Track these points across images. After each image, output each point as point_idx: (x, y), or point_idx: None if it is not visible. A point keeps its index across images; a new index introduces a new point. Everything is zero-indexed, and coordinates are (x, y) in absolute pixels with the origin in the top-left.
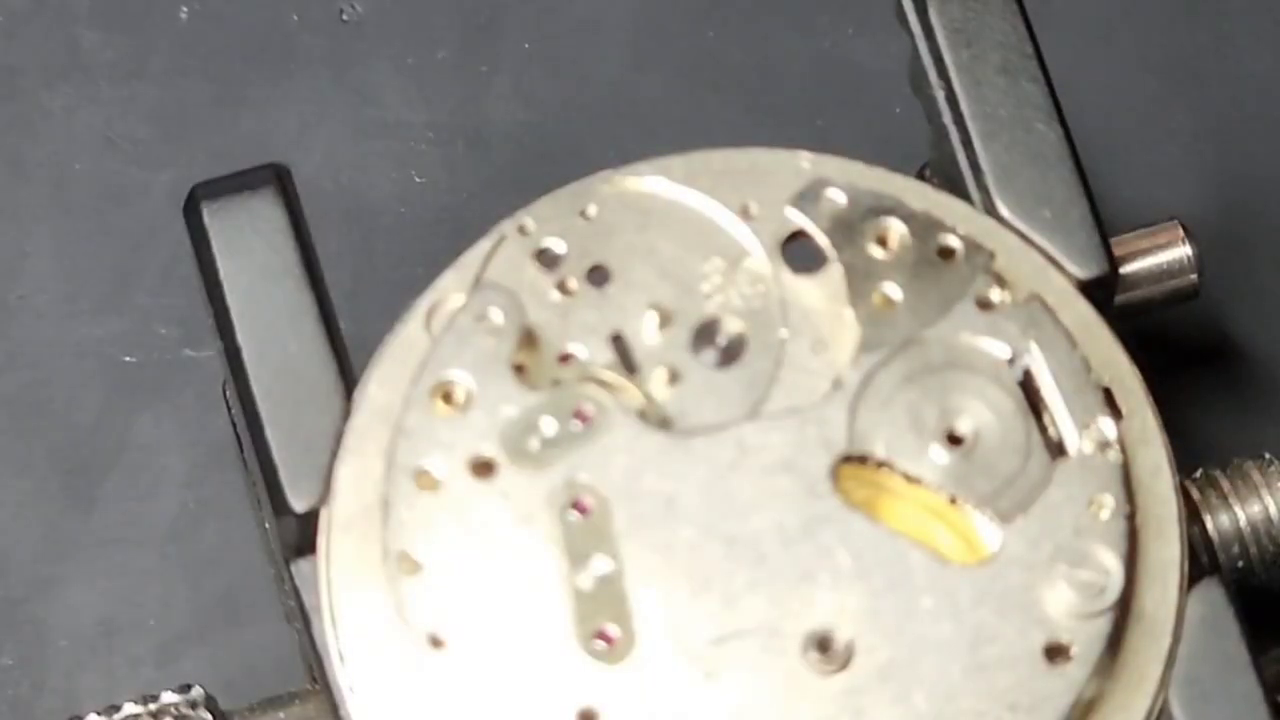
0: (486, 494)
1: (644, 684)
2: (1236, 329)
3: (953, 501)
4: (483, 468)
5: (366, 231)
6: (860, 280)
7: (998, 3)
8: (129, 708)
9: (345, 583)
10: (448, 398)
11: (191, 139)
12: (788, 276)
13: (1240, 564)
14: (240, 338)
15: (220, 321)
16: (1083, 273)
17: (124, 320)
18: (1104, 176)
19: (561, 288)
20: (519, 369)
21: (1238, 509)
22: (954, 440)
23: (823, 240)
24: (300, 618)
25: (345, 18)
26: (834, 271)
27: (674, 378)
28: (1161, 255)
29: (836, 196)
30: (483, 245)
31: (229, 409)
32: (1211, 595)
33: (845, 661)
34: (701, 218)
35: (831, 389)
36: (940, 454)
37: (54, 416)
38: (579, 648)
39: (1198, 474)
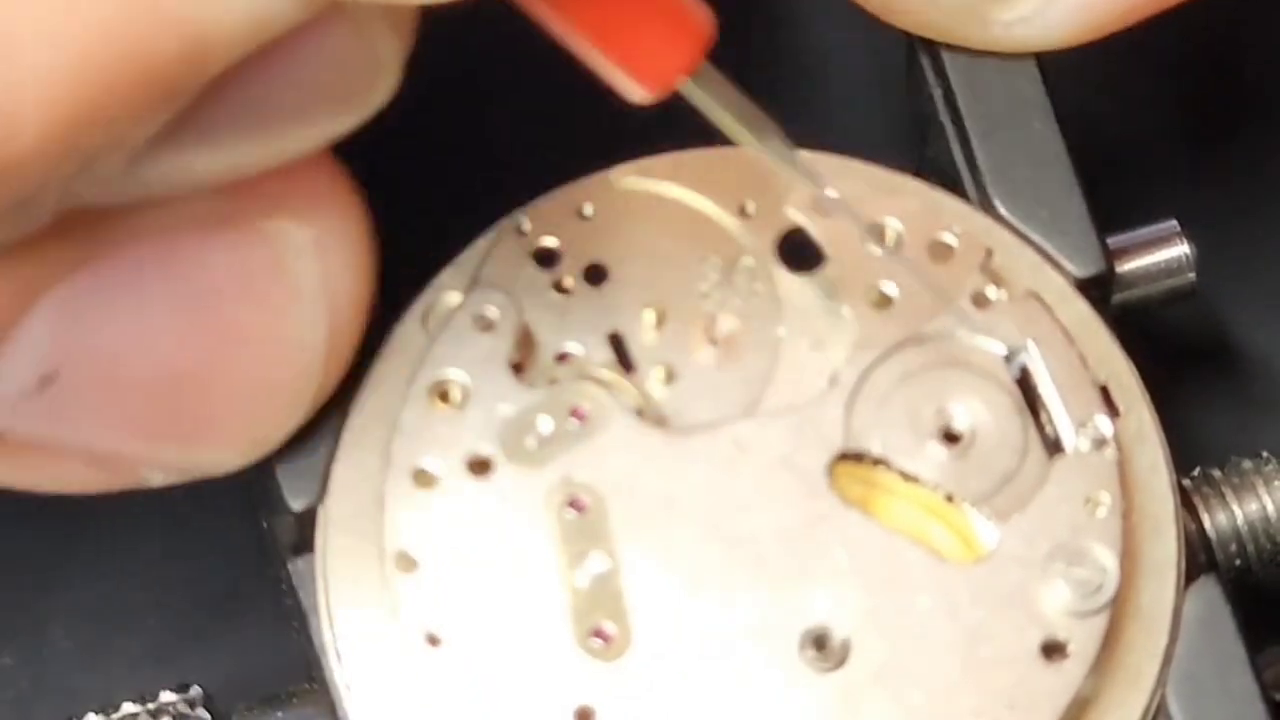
0: (483, 492)
1: (640, 682)
2: (1234, 328)
3: (949, 499)
4: (480, 466)
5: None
6: (857, 278)
7: None
8: (128, 707)
9: (342, 581)
10: (445, 396)
11: None
12: (784, 275)
13: (1238, 562)
14: None
15: None
16: (1080, 271)
17: None
18: (1102, 175)
19: (559, 287)
20: (516, 368)
21: (1235, 507)
22: (951, 438)
23: (820, 238)
24: (298, 616)
25: None
26: (831, 269)
27: (671, 376)
28: (1158, 254)
29: (833, 194)
30: (480, 244)
31: None
32: (1209, 593)
33: (842, 659)
34: (699, 216)
35: (828, 387)
36: (937, 451)
37: None
38: (576, 646)
39: (1195, 472)
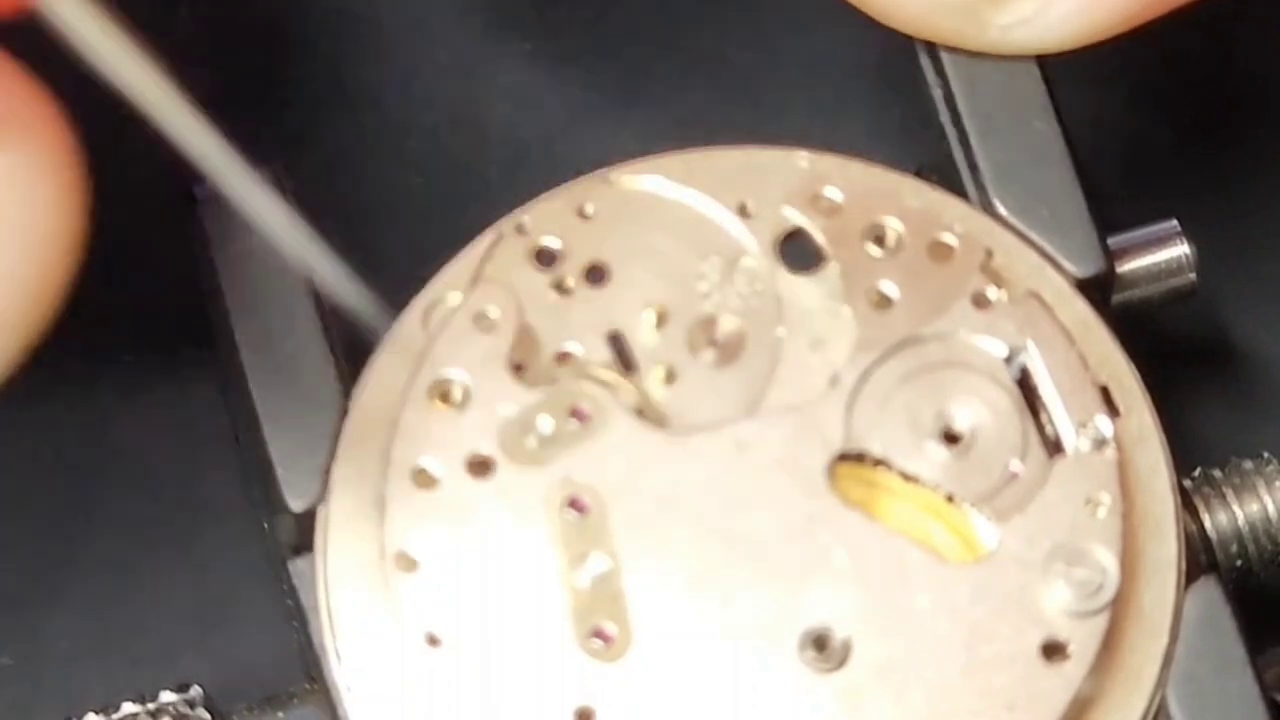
0: (484, 492)
1: (641, 682)
2: (1235, 328)
3: (950, 500)
4: (480, 466)
5: (366, 232)
6: (858, 278)
7: None
8: (128, 707)
9: (342, 581)
10: (445, 396)
11: None
12: (785, 275)
13: (1239, 563)
14: (238, 337)
15: (218, 321)
16: (1080, 271)
17: (124, 320)
18: (1102, 175)
19: (559, 286)
20: (516, 368)
21: (1236, 508)
22: (951, 438)
23: (820, 238)
24: (298, 616)
25: (345, 17)
26: (831, 270)
27: (671, 376)
28: (1159, 254)
29: (834, 195)
30: (480, 243)
31: (229, 409)
32: (1209, 594)
33: (842, 660)
34: (699, 216)
35: (829, 387)
36: (937, 452)
37: (54, 416)
38: (576, 646)
39: (1196, 473)
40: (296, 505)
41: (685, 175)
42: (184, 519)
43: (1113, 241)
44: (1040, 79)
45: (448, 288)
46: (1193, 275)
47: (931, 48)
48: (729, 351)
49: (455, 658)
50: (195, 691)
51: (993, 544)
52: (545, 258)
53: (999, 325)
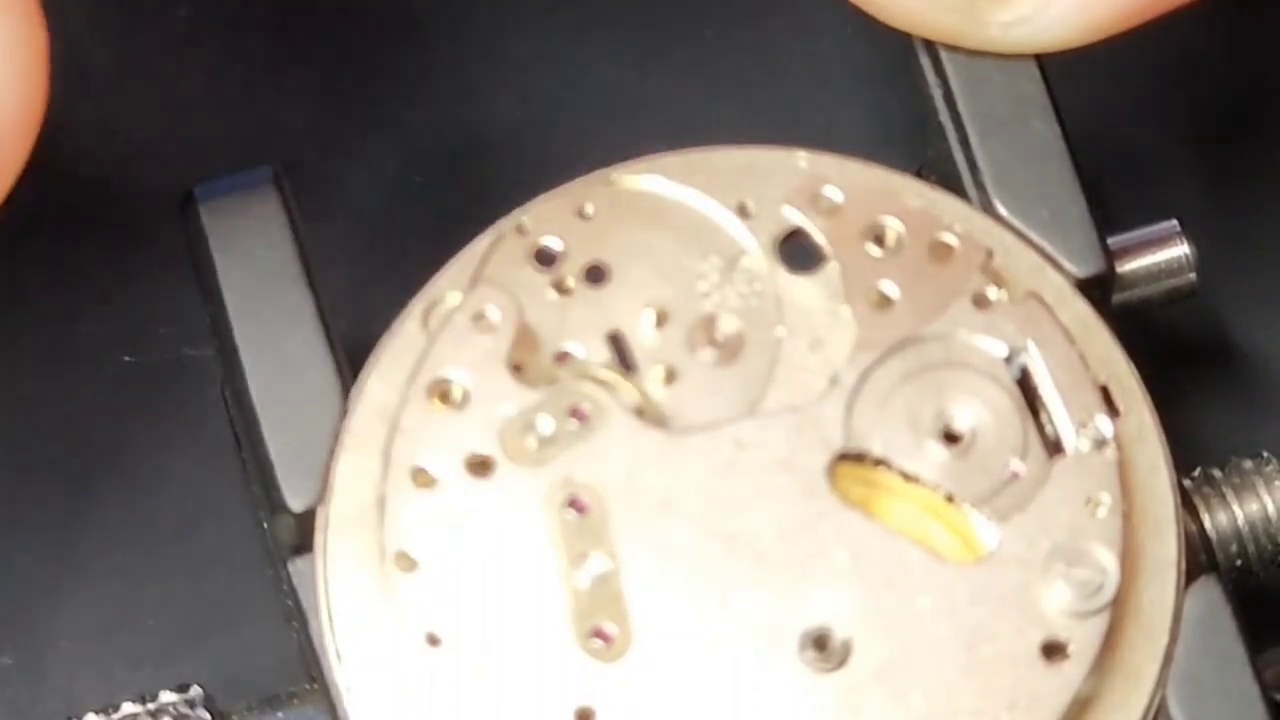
0: (484, 492)
1: (641, 682)
2: (1235, 328)
3: (950, 500)
4: (480, 466)
5: (366, 232)
6: (857, 278)
7: None
8: (128, 707)
9: (342, 581)
10: (445, 396)
11: (191, 139)
12: (785, 275)
13: (1238, 562)
14: (237, 338)
15: (217, 322)
16: (1080, 271)
17: (123, 320)
18: (1103, 176)
19: (559, 286)
20: (516, 368)
21: (1236, 508)
22: (951, 438)
23: (820, 239)
24: (298, 616)
25: (345, 17)
26: (831, 270)
27: (671, 376)
28: (1159, 254)
29: (834, 195)
30: (480, 243)
31: (228, 409)
32: (1209, 593)
33: (842, 660)
34: (699, 216)
35: (828, 387)
36: (937, 452)
37: (54, 416)
38: (576, 646)
39: (1196, 472)
40: (296, 505)
41: (685, 175)
42: (184, 519)
43: (1113, 241)
44: (1040, 78)
45: (447, 287)
46: (1193, 275)
47: (931, 47)
48: (729, 351)
49: (455, 658)
50: (195, 691)
51: (993, 544)
52: (545, 258)
53: (999, 325)
